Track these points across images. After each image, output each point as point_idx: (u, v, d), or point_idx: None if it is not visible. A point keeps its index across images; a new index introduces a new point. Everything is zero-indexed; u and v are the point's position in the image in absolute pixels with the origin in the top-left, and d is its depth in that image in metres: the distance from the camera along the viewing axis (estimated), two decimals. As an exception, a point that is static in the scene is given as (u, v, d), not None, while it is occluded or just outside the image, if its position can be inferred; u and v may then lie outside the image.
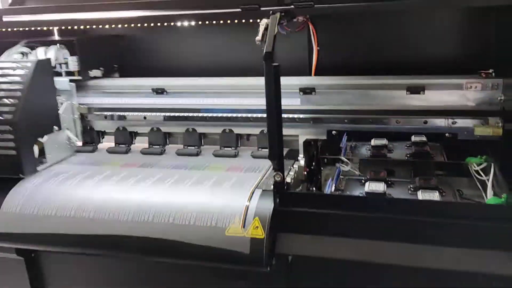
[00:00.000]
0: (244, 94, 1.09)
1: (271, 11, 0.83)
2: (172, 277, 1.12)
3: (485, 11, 0.93)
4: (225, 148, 1.14)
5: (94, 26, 1.14)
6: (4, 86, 1.01)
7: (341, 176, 1.03)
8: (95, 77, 1.22)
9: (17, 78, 1.02)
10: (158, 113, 1.17)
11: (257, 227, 0.84)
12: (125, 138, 1.22)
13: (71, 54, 1.17)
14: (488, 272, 0.74)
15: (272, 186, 0.85)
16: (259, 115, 1.08)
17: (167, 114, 1.16)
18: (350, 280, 0.84)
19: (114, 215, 0.92)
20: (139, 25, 1.08)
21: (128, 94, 1.20)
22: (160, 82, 1.17)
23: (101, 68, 1.24)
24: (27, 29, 1.11)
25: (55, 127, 1.10)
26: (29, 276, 1.28)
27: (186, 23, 0.99)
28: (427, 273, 0.78)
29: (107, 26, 1.18)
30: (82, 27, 1.12)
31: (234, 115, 1.11)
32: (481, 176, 0.97)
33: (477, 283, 0.77)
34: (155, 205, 0.92)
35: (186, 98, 1.15)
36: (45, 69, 1.06)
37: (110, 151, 1.21)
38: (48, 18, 1.11)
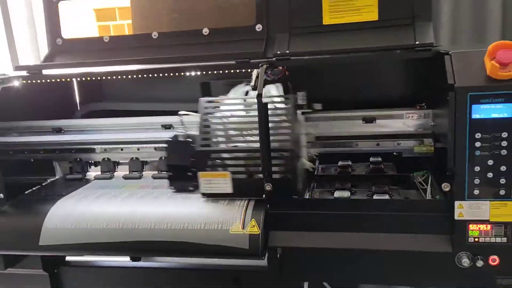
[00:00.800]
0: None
1: (260, 64, 1.13)
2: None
3: (418, 61, 1.25)
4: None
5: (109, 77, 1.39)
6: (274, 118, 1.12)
7: (315, 190, 1.31)
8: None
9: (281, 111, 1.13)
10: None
11: (253, 226, 1.10)
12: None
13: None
14: (418, 250, 1.02)
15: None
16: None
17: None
18: (325, 263, 1.10)
19: (139, 225, 1.16)
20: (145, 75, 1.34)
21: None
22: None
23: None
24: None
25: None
26: (52, 289, 1.48)
27: (192, 73, 1.27)
28: (379, 253, 1.05)
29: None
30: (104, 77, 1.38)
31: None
32: (423, 185, 1.26)
33: (411, 259, 1.04)
34: (173, 215, 1.16)
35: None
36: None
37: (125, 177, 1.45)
38: (75, 71, 1.38)
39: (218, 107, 1.17)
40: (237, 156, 1.13)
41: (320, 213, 1.09)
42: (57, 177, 1.50)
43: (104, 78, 1.38)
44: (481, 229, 0.99)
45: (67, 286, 1.50)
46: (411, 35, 1.19)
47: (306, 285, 1.25)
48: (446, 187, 1.01)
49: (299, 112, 1.23)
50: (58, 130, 1.44)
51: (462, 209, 0.99)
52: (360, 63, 1.35)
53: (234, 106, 1.17)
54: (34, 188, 1.39)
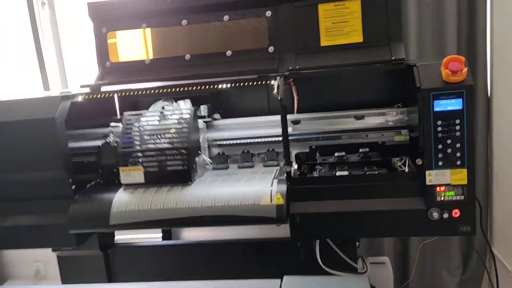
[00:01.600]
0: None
1: (277, 76, 1.50)
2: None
3: (394, 72, 1.63)
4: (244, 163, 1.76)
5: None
6: (177, 126, 1.55)
7: (321, 172, 1.68)
8: (216, 119, 1.78)
9: (183, 120, 1.56)
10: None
11: (279, 198, 1.46)
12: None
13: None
14: (401, 209, 1.40)
15: (284, 176, 1.48)
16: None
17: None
18: (332, 223, 1.46)
19: (189, 204, 1.49)
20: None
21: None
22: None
23: (220, 112, 1.80)
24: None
25: (199, 152, 1.64)
26: (106, 269, 1.79)
27: (220, 86, 1.63)
28: (372, 213, 1.42)
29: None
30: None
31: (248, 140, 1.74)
32: (402, 168, 1.64)
33: (396, 216, 1.41)
34: (216, 195, 1.50)
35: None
36: (194, 114, 1.60)
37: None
38: (127, 87, 1.72)
39: (139, 118, 1.60)
40: (148, 154, 1.54)
41: (327, 186, 1.46)
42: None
43: (146, 92, 1.72)
44: (445, 190, 1.38)
45: (116, 263, 1.81)
46: (388, 52, 1.59)
47: (317, 247, 1.61)
48: (419, 161, 1.40)
49: (200, 120, 1.68)
50: (106, 135, 1.77)
51: (431, 176, 1.38)
52: (350, 75, 1.73)
53: (151, 117, 1.60)
54: (92, 183, 1.71)
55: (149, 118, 1.61)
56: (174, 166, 1.53)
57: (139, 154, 1.56)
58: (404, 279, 2.34)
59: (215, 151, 1.78)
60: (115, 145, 1.69)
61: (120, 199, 1.54)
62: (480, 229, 1.60)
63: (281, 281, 1.18)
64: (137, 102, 1.97)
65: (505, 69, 2.04)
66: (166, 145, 1.54)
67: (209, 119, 1.76)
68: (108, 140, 1.74)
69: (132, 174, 1.57)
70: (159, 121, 1.60)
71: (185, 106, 1.69)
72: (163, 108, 1.70)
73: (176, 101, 1.72)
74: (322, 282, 1.22)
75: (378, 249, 2.32)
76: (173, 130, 1.55)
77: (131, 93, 1.67)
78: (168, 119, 1.59)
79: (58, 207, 1.56)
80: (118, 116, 1.97)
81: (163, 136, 1.56)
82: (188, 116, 1.58)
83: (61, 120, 1.52)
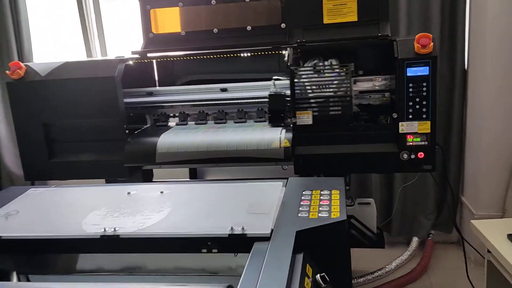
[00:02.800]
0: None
1: (288, 47, 1.92)
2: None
3: (381, 45, 2.03)
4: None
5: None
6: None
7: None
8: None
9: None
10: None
11: (286, 143, 1.90)
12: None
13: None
14: (380, 151, 1.83)
15: (290, 126, 1.92)
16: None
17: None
18: (327, 162, 1.90)
19: (217, 148, 1.93)
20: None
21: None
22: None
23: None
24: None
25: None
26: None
27: (243, 54, 2.05)
28: (359, 155, 1.85)
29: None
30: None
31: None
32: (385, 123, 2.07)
33: (377, 157, 1.85)
34: (237, 140, 1.94)
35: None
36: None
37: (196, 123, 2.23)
38: (167, 54, 2.15)
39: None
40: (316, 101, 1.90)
41: (324, 134, 1.89)
42: (148, 125, 2.26)
43: (185, 58, 2.14)
44: (413, 137, 1.81)
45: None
46: (376, 30, 1.99)
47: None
48: (394, 115, 1.82)
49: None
50: (150, 94, 2.20)
51: (403, 127, 1.80)
52: (346, 47, 2.14)
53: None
54: (139, 130, 2.16)
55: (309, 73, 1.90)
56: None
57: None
58: (387, 218, 2.80)
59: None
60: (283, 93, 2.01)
61: (164, 141, 1.98)
62: (443, 175, 2.03)
63: (287, 180, 1.60)
64: (172, 67, 2.40)
65: (479, 46, 2.43)
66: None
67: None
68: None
69: (302, 117, 1.91)
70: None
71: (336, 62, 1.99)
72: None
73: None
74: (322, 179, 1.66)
75: (366, 194, 2.77)
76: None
77: (170, 59, 2.09)
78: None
79: (114, 147, 2.01)
80: (156, 78, 2.41)
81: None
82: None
83: (118, 78, 1.96)
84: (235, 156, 1.92)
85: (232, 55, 2.08)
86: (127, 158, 1.98)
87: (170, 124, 2.26)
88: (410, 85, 1.77)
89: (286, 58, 1.90)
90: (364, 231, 2.11)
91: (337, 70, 1.90)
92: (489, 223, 1.68)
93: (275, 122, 2.01)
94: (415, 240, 2.77)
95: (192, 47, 2.15)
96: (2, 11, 2.79)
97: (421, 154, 1.82)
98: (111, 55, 2.49)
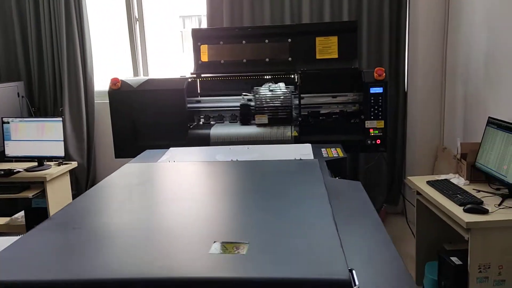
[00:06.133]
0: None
1: (295, 73, 3.03)
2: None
3: (353, 73, 3.18)
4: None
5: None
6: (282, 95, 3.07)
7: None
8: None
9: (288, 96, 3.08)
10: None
11: (294, 132, 2.99)
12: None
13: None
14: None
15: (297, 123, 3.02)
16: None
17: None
18: (319, 142, 3.02)
19: (251, 137, 3.00)
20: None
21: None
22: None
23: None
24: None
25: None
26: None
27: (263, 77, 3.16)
28: (337, 141, 2.97)
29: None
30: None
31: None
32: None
33: (347, 144, 2.98)
34: (261, 131, 3.02)
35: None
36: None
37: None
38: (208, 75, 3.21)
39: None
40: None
41: (317, 127, 3.00)
42: (195, 123, 3.29)
43: (224, 79, 3.22)
44: (373, 130, 2.95)
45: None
46: (350, 63, 3.15)
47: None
48: (362, 117, 2.96)
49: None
50: (198, 101, 3.24)
51: (368, 123, 2.94)
52: (329, 74, 3.29)
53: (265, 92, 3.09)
54: (193, 124, 3.18)
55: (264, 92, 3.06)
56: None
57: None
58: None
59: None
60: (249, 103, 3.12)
61: (214, 131, 3.03)
62: (392, 159, 3.19)
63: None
64: (212, 85, 3.47)
65: (414, 75, 3.64)
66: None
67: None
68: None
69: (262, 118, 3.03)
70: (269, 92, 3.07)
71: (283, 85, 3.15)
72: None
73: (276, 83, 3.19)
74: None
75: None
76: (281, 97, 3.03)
77: (213, 78, 3.17)
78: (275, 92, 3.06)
79: (180, 135, 3.03)
80: (198, 90, 3.46)
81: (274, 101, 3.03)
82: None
83: (185, 90, 3.00)
84: (255, 139, 3.00)
85: (255, 77, 3.18)
86: (188, 142, 3.01)
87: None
88: (372, 98, 2.92)
89: (296, 81, 3.02)
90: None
91: (283, 90, 3.05)
92: (418, 178, 2.81)
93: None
94: (373, 211, 3.91)
95: (229, 71, 3.23)
96: (72, 41, 3.76)
97: (378, 141, 2.96)
98: (157, 73, 3.51)
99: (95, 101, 3.91)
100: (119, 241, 0.91)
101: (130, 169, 1.85)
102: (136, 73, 3.98)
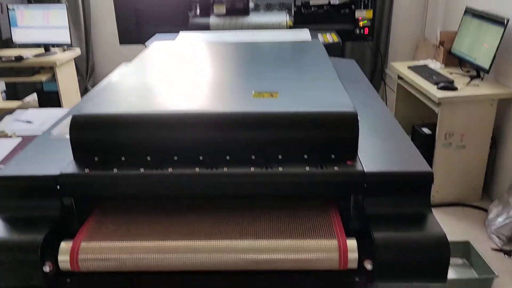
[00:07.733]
0: None
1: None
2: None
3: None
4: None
5: None
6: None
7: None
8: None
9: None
10: None
11: (289, 22, 3.20)
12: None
13: None
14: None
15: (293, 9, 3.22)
16: None
17: None
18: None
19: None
20: None
21: None
22: None
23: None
24: None
25: None
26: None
27: None
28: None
29: None
30: None
31: None
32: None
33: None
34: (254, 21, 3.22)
35: None
36: None
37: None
38: None
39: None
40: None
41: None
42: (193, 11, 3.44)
43: None
44: (362, 20, 3.18)
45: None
46: None
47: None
48: (353, 7, 3.17)
49: None
50: None
51: (357, 13, 3.16)
52: None
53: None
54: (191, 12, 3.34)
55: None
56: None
57: None
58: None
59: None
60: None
61: (213, 20, 3.21)
62: (377, 46, 3.46)
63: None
64: None
65: None
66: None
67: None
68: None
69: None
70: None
71: None
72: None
73: None
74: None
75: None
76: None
77: None
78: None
79: (180, 23, 3.21)
80: None
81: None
82: None
83: (186, -22, 3.12)
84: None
85: None
86: (190, 29, 3.20)
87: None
88: (362, -10, 3.12)
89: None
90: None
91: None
92: (400, 64, 3.12)
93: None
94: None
95: None
96: None
97: (366, 30, 3.21)
98: None
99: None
100: (183, 89, 1.19)
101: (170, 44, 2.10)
102: None
